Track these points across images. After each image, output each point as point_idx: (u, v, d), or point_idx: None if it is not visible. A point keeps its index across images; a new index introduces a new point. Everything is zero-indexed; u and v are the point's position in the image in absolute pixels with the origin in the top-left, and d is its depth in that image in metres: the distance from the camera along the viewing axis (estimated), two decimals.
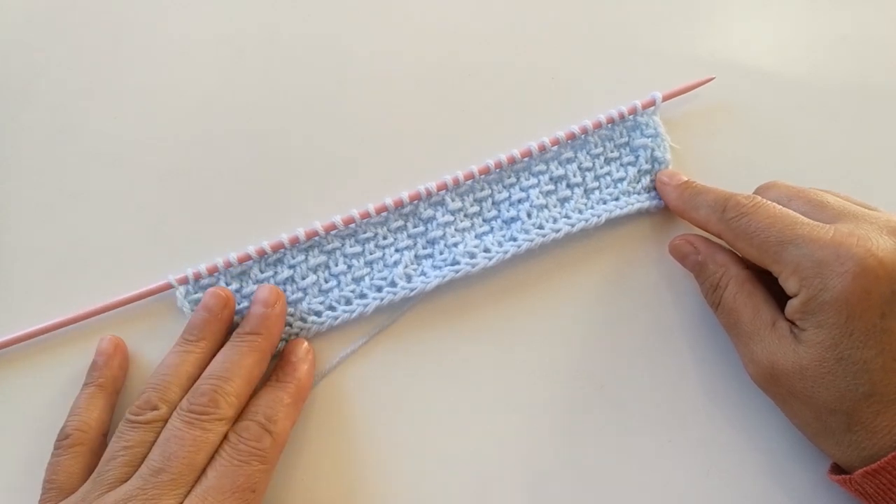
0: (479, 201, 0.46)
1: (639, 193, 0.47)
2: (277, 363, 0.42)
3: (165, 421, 0.38)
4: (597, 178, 0.47)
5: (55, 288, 0.45)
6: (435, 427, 0.43)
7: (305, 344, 0.43)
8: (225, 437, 0.38)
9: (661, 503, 0.42)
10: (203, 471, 0.37)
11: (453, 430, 0.43)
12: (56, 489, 0.38)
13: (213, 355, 0.41)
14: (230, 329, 0.43)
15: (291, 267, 0.44)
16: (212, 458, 0.37)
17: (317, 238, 0.44)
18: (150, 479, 0.36)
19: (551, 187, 0.46)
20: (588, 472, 0.42)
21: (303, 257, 0.44)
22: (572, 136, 0.46)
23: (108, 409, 0.41)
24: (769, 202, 0.40)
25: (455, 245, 0.45)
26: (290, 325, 0.43)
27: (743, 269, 0.41)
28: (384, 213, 0.45)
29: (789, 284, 0.38)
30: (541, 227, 0.45)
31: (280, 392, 0.40)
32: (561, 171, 0.46)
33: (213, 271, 0.43)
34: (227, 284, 0.43)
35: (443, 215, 0.45)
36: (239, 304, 0.43)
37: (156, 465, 0.36)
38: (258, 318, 0.41)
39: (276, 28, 0.51)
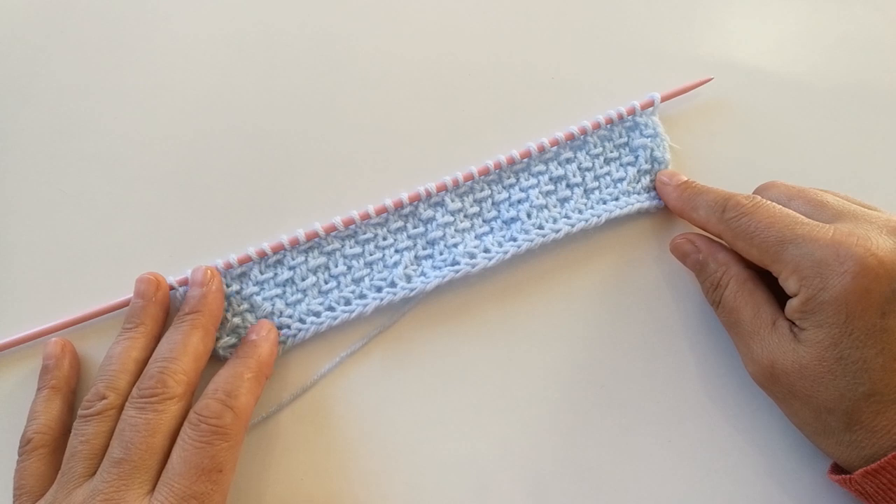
0: (478, 202, 0.46)
1: (638, 193, 0.47)
2: (239, 344, 0.42)
3: (117, 409, 0.39)
4: (596, 178, 0.47)
5: (55, 288, 0.45)
6: (435, 427, 0.43)
7: (268, 324, 0.43)
8: (187, 419, 0.38)
9: (660, 503, 0.42)
10: (167, 453, 0.37)
11: (453, 429, 0.43)
12: (26, 493, 0.38)
13: (157, 338, 0.42)
14: (168, 313, 0.43)
15: (291, 268, 0.44)
16: (175, 441, 0.37)
17: (317, 239, 0.44)
18: (112, 471, 0.36)
19: (551, 187, 0.46)
20: (588, 472, 0.42)
21: (303, 258, 0.44)
22: (571, 137, 0.46)
23: (66, 409, 0.41)
24: (769, 202, 0.40)
25: (455, 245, 0.45)
26: (289, 328, 0.43)
27: (744, 269, 0.41)
28: (384, 214, 0.45)
29: (789, 284, 0.38)
30: (540, 227, 0.45)
31: (240, 367, 0.40)
32: (560, 172, 0.46)
33: None
34: (228, 286, 0.43)
35: (442, 216, 0.45)
36: (239, 307, 0.43)
37: (116, 456, 0.36)
38: (195, 297, 0.42)
39: (275, 29, 0.51)
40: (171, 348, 0.40)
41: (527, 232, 0.45)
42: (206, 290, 0.42)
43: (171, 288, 0.43)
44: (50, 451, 0.39)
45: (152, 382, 0.38)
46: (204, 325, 0.41)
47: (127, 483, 0.35)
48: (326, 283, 0.44)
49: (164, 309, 0.43)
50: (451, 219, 0.45)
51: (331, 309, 0.44)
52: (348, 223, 0.44)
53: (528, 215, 0.45)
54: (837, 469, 0.39)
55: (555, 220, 0.45)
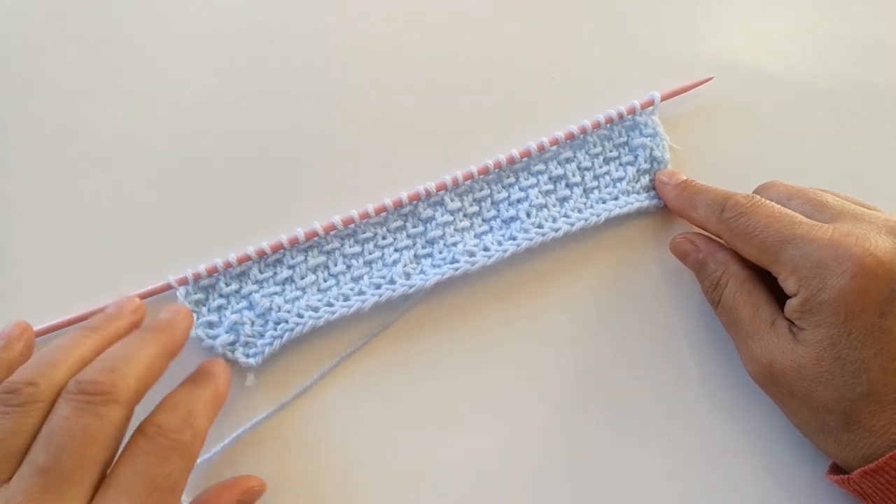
0: (478, 201, 0.46)
1: (638, 193, 0.47)
2: (194, 372, 0.38)
3: (47, 403, 0.32)
4: (596, 177, 0.47)
5: (55, 288, 0.45)
6: (434, 427, 0.43)
7: (224, 362, 0.39)
8: (139, 430, 0.33)
9: (661, 503, 0.42)
10: (103, 469, 0.32)
11: (453, 429, 0.43)
12: None
13: None
14: None
15: (291, 267, 0.44)
16: (120, 454, 0.32)
17: (316, 238, 0.44)
18: (33, 480, 0.30)
19: (550, 187, 0.46)
20: (588, 472, 0.42)
21: (302, 258, 0.44)
22: (571, 136, 0.46)
23: None
24: (768, 202, 0.40)
25: (454, 244, 0.45)
26: (287, 322, 0.43)
27: (743, 268, 0.41)
28: (383, 214, 0.45)
29: (788, 284, 0.38)
30: (540, 226, 0.45)
31: (199, 389, 0.36)
32: (560, 171, 0.46)
33: (212, 272, 0.43)
34: (227, 285, 0.43)
35: (442, 215, 0.45)
36: (238, 304, 0.43)
37: (41, 464, 0.30)
38: (164, 320, 0.38)
39: (275, 29, 0.51)
40: (126, 350, 0.34)
41: (526, 231, 0.45)
42: (176, 317, 0.39)
43: (170, 287, 0.43)
44: None
45: (99, 377, 0.32)
46: (165, 344, 0.36)
47: (54, 498, 0.29)
48: (325, 281, 0.44)
49: (131, 330, 0.38)
50: (451, 218, 0.45)
51: (329, 305, 0.44)
52: (347, 222, 0.44)
53: (528, 214, 0.45)
54: (836, 469, 0.39)
55: (554, 220, 0.45)
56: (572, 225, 0.45)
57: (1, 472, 0.31)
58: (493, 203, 0.46)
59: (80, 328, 0.37)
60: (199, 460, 0.41)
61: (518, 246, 0.44)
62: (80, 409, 0.31)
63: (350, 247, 0.45)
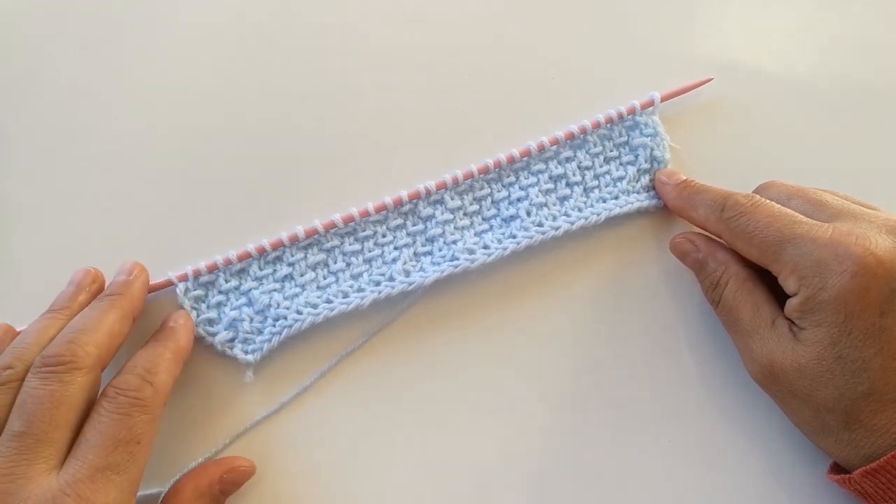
0: (478, 200, 0.46)
1: (638, 192, 0.47)
2: (156, 330, 0.41)
3: (20, 381, 0.36)
4: (596, 176, 0.47)
5: (55, 288, 0.45)
6: (434, 426, 0.43)
7: (185, 313, 0.42)
8: (102, 393, 0.36)
9: (660, 503, 0.42)
10: (74, 430, 0.35)
11: (453, 429, 0.43)
12: None
13: None
14: None
15: (290, 264, 0.44)
16: (87, 417, 0.35)
17: (316, 236, 0.44)
18: (11, 445, 0.33)
19: (550, 186, 0.46)
20: (588, 472, 0.42)
21: (302, 255, 0.44)
22: (571, 136, 0.46)
23: None
24: (768, 201, 0.40)
25: (454, 242, 0.45)
26: (286, 318, 0.43)
27: (743, 268, 0.41)
28: (383, 212, 0.45)
29: (788, 283, 0.38)
30: (540, 224, 0.45)
31: (159, 348, 0.39)
32: (560, 170, 0.46)
33: (212, 268, 0.43)
34: (227, 281, 0.43)
35: (442, 214, 0.45)
36: (237, 301, 0.43)
37: (16, 429, 0.34)
38: (119, 283, 0.41)
39: (275, 29, 0.51)
40: (84, 322, 0.38)
41: (526, 229, 0.45)
42: (132, 279, 0.41)
43: (170, 283, 0.43)
44: None
45: (60, 350, 0.36)
46: (123, 307, 0.40)
47: (29, 458, 0.33)
48: (325, 278, 0.44)
49: (93, 299, 0.41)
50: (451, 216, 0.45)
51: (328, 302, 0.44)
52: (348, 220, 0.44)
53: (528, 213, 0.45)
54: (837, 469, 0.39)
55: (554, 218, 0.45)
56: (572, 224, 0.45)
57: None
58: (493, 202, 0.46)
59: (47, 312, 0.40)
60: (199, 459, 0.41)
61: (518, 244, 0.44)
62: (46, 378, 0.35)
63: (350, 244, 0.45)
